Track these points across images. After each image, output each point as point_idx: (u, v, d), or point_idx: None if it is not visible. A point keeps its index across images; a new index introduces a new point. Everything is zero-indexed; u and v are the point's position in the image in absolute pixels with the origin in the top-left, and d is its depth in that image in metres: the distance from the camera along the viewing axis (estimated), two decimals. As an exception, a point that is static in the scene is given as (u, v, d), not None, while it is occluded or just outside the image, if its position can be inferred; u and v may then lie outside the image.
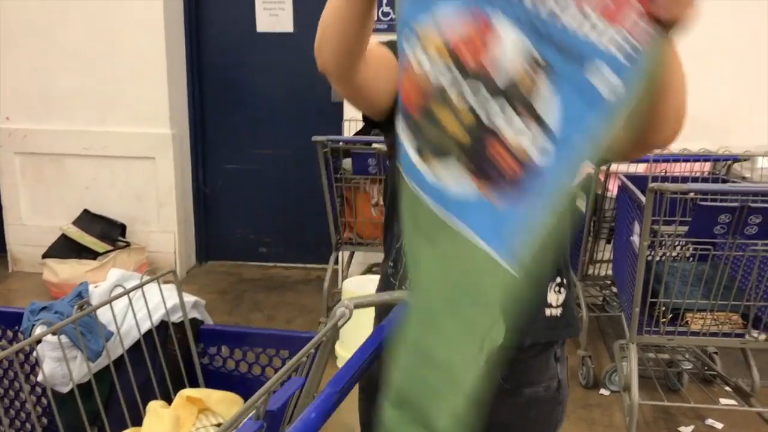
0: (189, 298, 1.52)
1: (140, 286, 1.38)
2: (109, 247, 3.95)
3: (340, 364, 1.40)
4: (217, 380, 1.48)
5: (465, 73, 0.75)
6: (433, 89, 0.76)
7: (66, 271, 3.80)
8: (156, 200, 4.17)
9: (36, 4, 3.97)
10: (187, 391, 1.36)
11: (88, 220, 4.08)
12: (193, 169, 4.38)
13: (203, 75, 4.33)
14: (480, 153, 0.75)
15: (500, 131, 0.75)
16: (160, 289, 1.42)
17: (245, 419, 0.81)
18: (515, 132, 0.74)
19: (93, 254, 3.89)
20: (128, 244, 4.04)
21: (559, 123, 0.74)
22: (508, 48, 0.74)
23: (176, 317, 1.47)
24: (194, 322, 1.50)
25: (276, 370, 1.37)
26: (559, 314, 1.12)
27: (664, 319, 2.26)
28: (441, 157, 0.77)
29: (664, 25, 0.73)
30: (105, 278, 1.48)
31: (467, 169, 0.76)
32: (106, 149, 4.10)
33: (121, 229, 4.12)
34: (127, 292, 1.34)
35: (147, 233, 4.19)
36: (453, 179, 0.77)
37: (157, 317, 1.42)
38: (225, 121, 4.36)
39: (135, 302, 1.40)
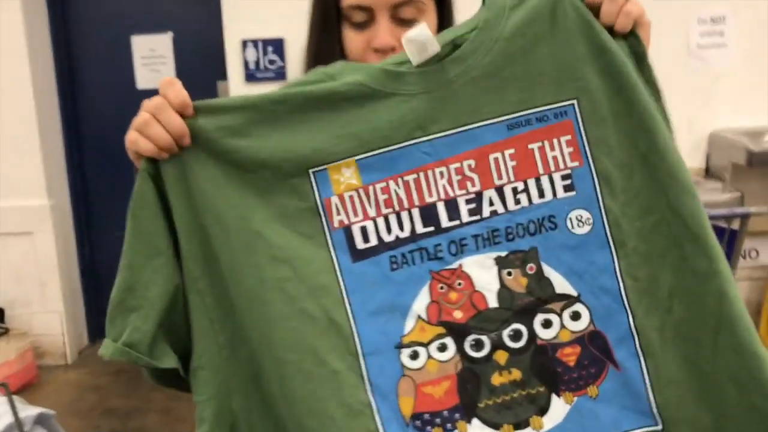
0: (31, 412, 1.27)
1: (-44, 409, 1.12)
2: (-14, 336, 3.56)
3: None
4: None
5: (468, 329, 0.77)
6: (461, 371, 0.77)
7: (-65, 368, 3.38)
8: (37, 278, 3.80)
9: None
10: None
11: (-41, 307, 3.68)
12: (77, 241, 4.04)
13: (82, 139, 4.03)
14: (544, 372, 0.77)
15: (539, 338, 0.77)
16: (-14, 409, 1.16)
17: None
18: (546, 328, 0.77)
19: (-33, 346, 3.49)
20: (7, 330, 3.66)
21: (574, 284, 0.77)
22: (488, 276, 0.77)
23: (12, 439, 1.21)
24: (38, 441, 1.25)
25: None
26: None
27: None
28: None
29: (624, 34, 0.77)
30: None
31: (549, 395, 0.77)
32: (-24, 227, 3.73)
33: (-1, 314, 3.73)
34: (-63, 421, 1.08)
35: (29, 315, 3.81)
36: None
37: (-16, 444, 1.16)
38: (110, 185, 4.02)
39: (-45, 428, 1.14)
